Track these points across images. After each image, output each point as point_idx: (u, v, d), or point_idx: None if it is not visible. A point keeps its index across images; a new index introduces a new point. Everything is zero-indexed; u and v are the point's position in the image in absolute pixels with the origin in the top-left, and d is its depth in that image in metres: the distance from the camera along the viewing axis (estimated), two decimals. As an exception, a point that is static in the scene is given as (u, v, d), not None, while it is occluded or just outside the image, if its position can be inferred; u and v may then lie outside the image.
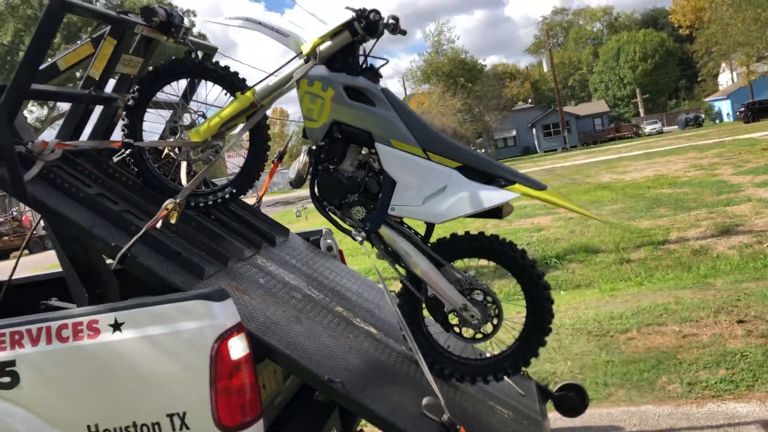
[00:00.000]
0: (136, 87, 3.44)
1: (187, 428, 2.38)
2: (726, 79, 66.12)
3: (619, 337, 6.28)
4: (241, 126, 3.36)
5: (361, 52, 3.21)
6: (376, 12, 3.06)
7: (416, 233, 3.31)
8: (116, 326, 2.40)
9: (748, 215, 11.81)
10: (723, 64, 43.29)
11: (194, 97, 3.78)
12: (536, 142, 65.43)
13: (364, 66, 3.19)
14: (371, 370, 3.11)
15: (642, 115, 72.21)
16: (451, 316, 3.29)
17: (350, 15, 3.08)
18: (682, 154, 26.79)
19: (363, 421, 4.91)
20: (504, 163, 3.11)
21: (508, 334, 3.33)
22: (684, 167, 21.29)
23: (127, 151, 3.39)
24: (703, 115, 62.43)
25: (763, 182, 15.07)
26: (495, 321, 3.21)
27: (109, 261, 3.31)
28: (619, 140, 58.84)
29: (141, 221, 3.07)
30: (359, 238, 3.16)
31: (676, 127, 62.37)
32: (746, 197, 13.50)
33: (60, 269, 3.48)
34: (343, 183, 3.20)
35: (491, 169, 3.05)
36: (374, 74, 3.18)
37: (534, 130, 65.44)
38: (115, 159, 3.48)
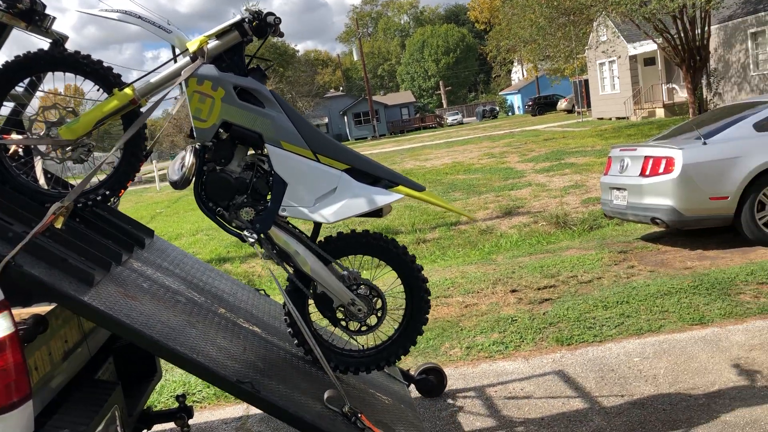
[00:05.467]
0: None
1: (-59, 414, 2.23)
2: (517, 75, 71.95)
3: (410, 310, 6.72)
4: (115, 124, 3.15)
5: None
6: (274, 15, 3.05)
7: (301, 232, 3.36)
8: None
9: (528, 198, 13.10)
10: (515, 61, 47.18)
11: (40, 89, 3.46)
12: (348, 130, 66.84)
13: (249, 66, 3.16)
14: (268, 368, 3.14)
15: (445, 106, 76.47)
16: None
17: (240, 16, 3.04)
18: (477, 144, 28.87)
19: (152, 399, 4.84)
20: (386, 165, 3.26)
21: (387, 326, 3.48)
22: (478, 155, 22.99)
23: None
24: (497, 108, 67.55)
25: (542, 169, 16.77)
26: (379, 313, 3.37)
27: None
28: (424, 130, 61.92)
29: (11, 225, 2.79)
30: (252, 240, 3.12)
31: (475, 118, 66.83)
32: (527, 182, 14.96)
33: None
34: (231, 184, 3.15)
35: (376, 171, 3.18)
36: (261, 75, 3.15)
37: (345, 117, 66.80)
38: None
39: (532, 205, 12.40)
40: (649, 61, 31.28)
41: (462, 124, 62.24)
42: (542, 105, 52.75)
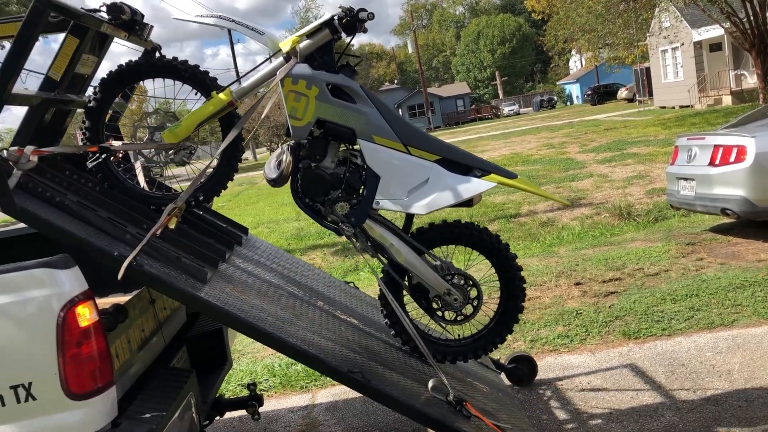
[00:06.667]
0: (98, 88, 3.24)
1: (34, 399, 2.34)
2: (576, 63, 70.46)
3: (471, 303, 6.69)
4: (216, 128, 3.31)
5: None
6: (367, 11, 3.10)
7: (394, 224, 3.42)
8: (-44, 295, 2.31)
9: (590, 189, 12.83)
10: (573, 50, 46.19)
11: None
12: (402, 122, 66.73)
13: (339, 63, 3.22)
14: (372, 358, 3.24)
15: (501, 96, 75.44)
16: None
17: (330, 14, 3.11)
18: (535, 134, 28.40)
19: (222, 387, 4.97)
20: (476, 154, 3.28)
21: (481, 315, 3.53)
22: (537, 146, 22.62)
23: (103, 156, 3.21)
24: (555, 98, 66.27)
25: (603, 159, 16.38)
26: (475, 302, 3.43)
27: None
28: (480, 121, 61.24)
29: (126, 228, 2.97)
30: (349, 233, 3.22)
31: (531, 108, 65.77)
32: (589, 173, 14.64)
33: None
34: (326, 179, 3.24)
35: (467, 161, 3.23)
36: (351, 71, 3.22)
37: (400, 110, 66.68)
38: (90, 165, 3.26)
39: (594, 197, 12.14)
40: (715, 46, 30.14)
41: (518, 114, 61.30)
42: (602, 94, 51.51)
